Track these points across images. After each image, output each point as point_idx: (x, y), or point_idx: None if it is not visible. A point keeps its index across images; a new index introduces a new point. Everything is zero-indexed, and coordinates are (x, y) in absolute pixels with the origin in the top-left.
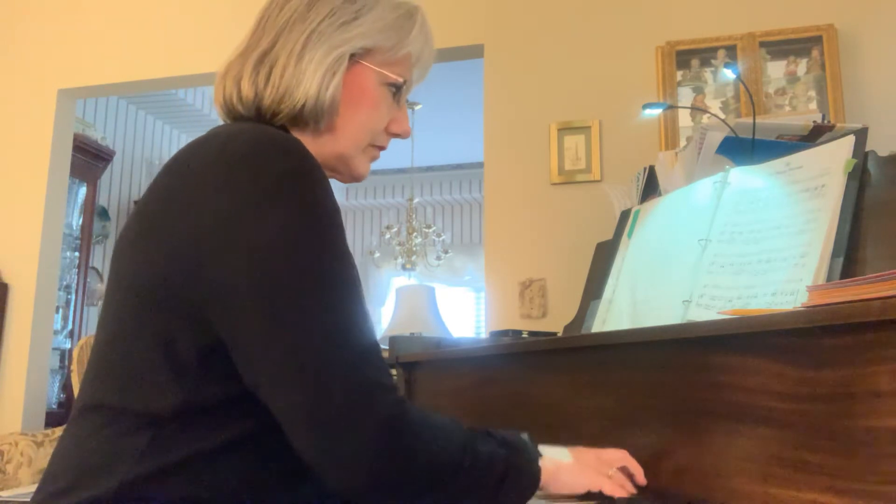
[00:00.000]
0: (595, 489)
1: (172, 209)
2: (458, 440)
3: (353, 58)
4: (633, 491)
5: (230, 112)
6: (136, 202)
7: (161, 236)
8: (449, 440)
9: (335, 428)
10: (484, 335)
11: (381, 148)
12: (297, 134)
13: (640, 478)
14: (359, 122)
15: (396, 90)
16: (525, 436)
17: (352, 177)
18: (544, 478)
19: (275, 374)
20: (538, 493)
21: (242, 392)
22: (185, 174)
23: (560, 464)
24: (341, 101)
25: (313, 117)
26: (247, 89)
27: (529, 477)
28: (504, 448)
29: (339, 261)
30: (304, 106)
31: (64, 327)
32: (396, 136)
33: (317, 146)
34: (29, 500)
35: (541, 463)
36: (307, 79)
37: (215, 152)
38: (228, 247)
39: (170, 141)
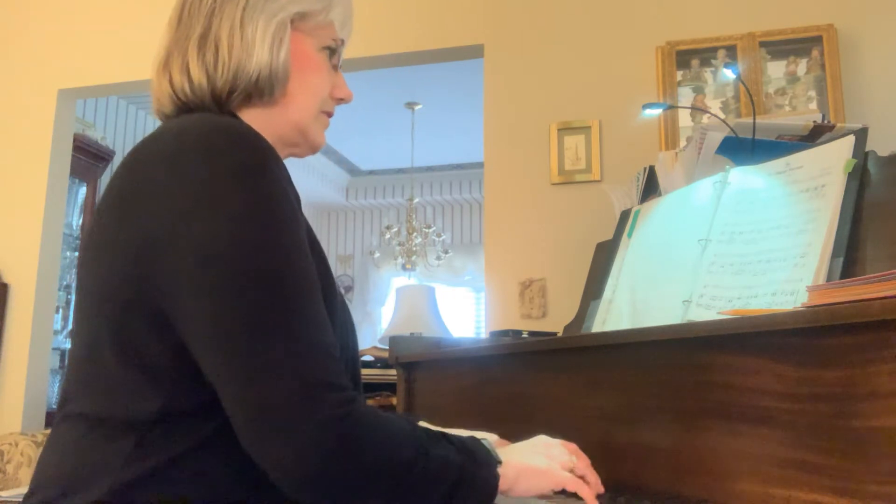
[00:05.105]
0: (559, 489)
1: (128, 212)
2: (411, 443)
3: (292, 24)
4: (600, 488)
5: (180, 103)
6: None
7: (119, 241)
8: (400, 443)
9: (277, 426)
10: (484, 335)
11: (329, 114)
12: (251, 112)
13: (598, 486)
14: (308, 88)
15: (332, 53)
16: (486, 441)
17: (310, 147)
18: (505, 484)
19: (223, 371)
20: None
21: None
22: (138, 174)
23: (521, 468)
24: (290, 69)
25: (268, 87)
26: (197, 74)
27: (486, 484)
28: (461, 454)
29: (292, 257)
30: (258, 77)
31: (64, 327)
32: (341, 100)
33: (273, 120)
34: None
35: (500, 470)
36: (257, 49)
37: (166, 149)
38: (182, 245)
39: None
